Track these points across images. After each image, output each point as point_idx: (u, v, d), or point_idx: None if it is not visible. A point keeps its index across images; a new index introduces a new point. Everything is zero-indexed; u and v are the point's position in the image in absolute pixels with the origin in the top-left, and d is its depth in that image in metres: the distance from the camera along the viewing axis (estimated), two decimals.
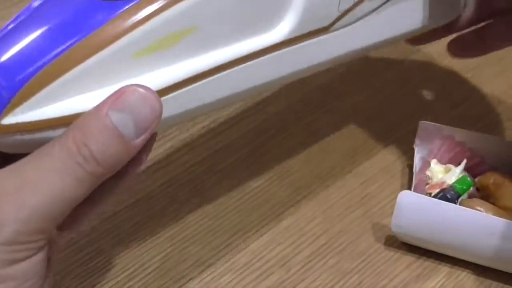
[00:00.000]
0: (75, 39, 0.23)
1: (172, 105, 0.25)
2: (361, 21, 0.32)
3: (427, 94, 0.45)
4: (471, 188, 0.37)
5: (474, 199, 0.36)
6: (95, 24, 0.23)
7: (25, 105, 0.22)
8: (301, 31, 0.29)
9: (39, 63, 0.22)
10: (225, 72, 0.26)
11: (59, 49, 0.22)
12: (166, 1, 0.24)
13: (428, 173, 0.38)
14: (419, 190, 0.37)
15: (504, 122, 0.44)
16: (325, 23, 0.30)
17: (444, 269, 0.36)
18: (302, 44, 0.29)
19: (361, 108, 0.45)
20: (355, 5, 0.31)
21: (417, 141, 0.40)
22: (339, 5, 0.30)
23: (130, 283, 0.35)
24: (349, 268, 0.36)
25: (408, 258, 0.37)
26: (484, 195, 0.37)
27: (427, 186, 0.37)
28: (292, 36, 0.28)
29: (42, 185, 0.22)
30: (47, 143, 0.22)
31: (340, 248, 0.37)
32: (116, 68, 0.23)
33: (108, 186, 0.25)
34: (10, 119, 0.22)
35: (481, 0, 0.37)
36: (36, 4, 0.25)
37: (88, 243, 0.37)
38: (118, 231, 0.38)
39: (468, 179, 0.37)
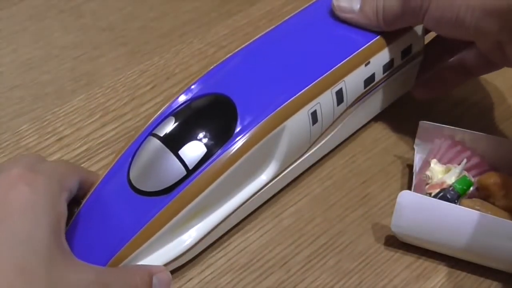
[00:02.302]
0: (133, 232, 0.33)
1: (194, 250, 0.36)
2: (331, 135, 0.40)
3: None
4: (471, 188, 0.37)
5: (474, 199, 0.36)
6: (146, 220, 0.33)
7: None
8: (283, 167, 0.38)
9: (111, 253, 0.33)
10: (232, 215, 0.37)
11: (123, 242, 0.33)
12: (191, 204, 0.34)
13: (428, 173, 0.38)
14: (419, 190, 0.37)
15: (504, 122, 0.44)
16: (300, 154, 0.39)
17: (444, 269, 0.36)
18: (285, 172, 0.38)
19: None
20: (323, 133, 0.39)
21: (417, 141, 0.40)
22: (310, 139, 0.38)
23: None
24: (349, 268, 0.36)
25: (408, 258, 0.37)
26: (484, 195, 0.37)
27: (427, 186, 0.37)
28: (277, 173, 0.38)
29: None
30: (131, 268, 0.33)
31: (340, 248, 0.37)
32: (162, 243, 0.34)
33: None
34: None
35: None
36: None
37: None
38: None
39: (468, 179, 0.37)
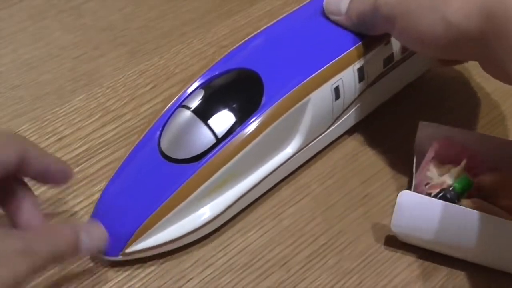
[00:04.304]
0: (164, 197, 0.35)
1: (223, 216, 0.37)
2: (352, 111, 0.41)
3: (428, 95, 0.45)
4: (471, 188, 0.37)
5: (474, 199, 0.36)
6: (177, 186, 0.35)
7: (138, 240, 0.35)
8: (307, 141, 0.39)
9: (144, 217, 0.35)
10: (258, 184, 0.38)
11: (155, 206, 0.35)
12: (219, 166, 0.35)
13: (428, 173, 0.38)
14: (419, 190, 0.37)
15: (504, 122, 0.44)
16: (323, 129, 0.40)
17: (444, 269, 0.36)
18: (309, 145, 0.40)
19: None
20: (345, 110, 0.40)
21: (417, 141, 0.40)
22: (332, 115, 0.39)
23: (130, 283, 0.35)
24: (349, 268, 0.36)
25: (408, 258, 0.37)
26: (484, 195, 0.37)
27: (427, 186, 0.37)
28: (301, 146, 0.39)
29: None
30: None
31: (340, 248, 0.37)
32: (190, 210, 0.36)
33: None
34: (129, 249, 0.35)
35: None
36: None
37: None
38: None
39: (468, 179, 0.37)
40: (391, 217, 0.35)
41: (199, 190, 0.35)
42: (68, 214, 0.39)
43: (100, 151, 0.42)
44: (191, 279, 0.36)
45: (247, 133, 0.36)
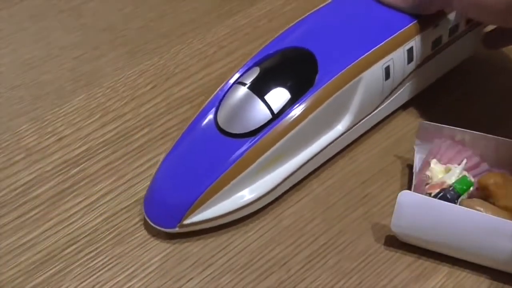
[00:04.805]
0: (222, 170, 0.36)
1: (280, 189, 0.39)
2: (399, 91, 0.42)
3: (427, 94, 0.45)
4: (471, 188, 0.37)
5: (474, 199, 0.36)
6: (234, 159, 0.36)
7: (195, 212, 0.36)
8: (358, 119, 0.40)
9: (202, 189, 0.36)
10: (312, 159, 0.39)
11: (213, 178, 0.36)
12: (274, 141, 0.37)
13: (428, 173, 0.38)
14: (419, 190, 0.37)
15: (504, 122, 0.44)
16: (373, 108, 0.41)
17: (444, 269, 0.36)
18: (358, 124, 0.41)
19: None
20: (393, 90, 0.41)
21: (417, 141, 0.40)
22: (382, 94, 0.41)
23: (130, 283, 0.35)
24: (349, 268, 0.36)
25: (408, 258, 0.37)
26: (484, 195, 0.37)
27: (427, 186, 0.37)
28: (352, 124, 0.40)
29: None
30: None
31: (340, 248, 0.37)
32: (246, 184, 0.37)
33: None
34: (187, 221, 0.36)
35: None
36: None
37: (88, 243, 0.37)
38: (118, 231, 0.38)
39: (468, 179, 0.37)
40: (391, 217, 0.35)
41: (255, 164, 0.36)
42: (68, 214, 0.39)
43: (100, 151, 0.42)
44: (191, 279, 0.36)
45: (302, 110, 0.37)
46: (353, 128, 0.40)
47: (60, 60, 0.49)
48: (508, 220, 0.34)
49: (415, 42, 0.41)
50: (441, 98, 0.45)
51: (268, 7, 0.53)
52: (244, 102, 0.37)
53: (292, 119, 0.37)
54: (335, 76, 0.38)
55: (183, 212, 0.36)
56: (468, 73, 0.47)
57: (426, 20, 0.41)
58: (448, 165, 0.38)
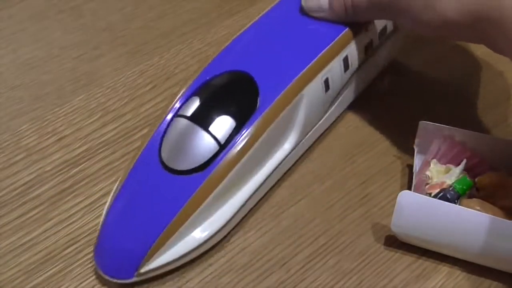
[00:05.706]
0: (175, 211, 0.34)
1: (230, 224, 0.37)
2: (339, 100, 0.42)
3: (428, 94, 0.45)
4: (471, 188, 0.37)
5: (474, 199, 0.36)
6: (186, 198, 0.34)
7: (151, 260, 0.34)
8: (303, 135, 0.40)
9: (156, 233, 0.34)
10: (260, 188, 0.38)
11: (166, 221, 0.34)
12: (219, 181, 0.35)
13: (428, 173, 0.38)
14: (419, 190, 0.37)
15: (504, 122, 0.44)
16: (317, 121, 0.41)
17: (444, 269, 0.36)
18: (303, 140, 0.40)
19: (361, 108, 0.45)
20: (336, 97, 0.41)
21: (417, 141, 0.40)
22: (324, 106, 0.41)
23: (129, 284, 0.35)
24: (349, 268, 0.36)
25: (408, 258, 0.37)
26: (484, 195, 0.37)
27: (427, 186, 0.37)
28: (298, 141, 0.39)
29: None
30: None
31: (340, 248, 0.37)
32: (201, 220, 0.35)
33: None
34: (144, 269, 0.34)
35: None
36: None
37: (88, 243, 0.37)
38: None
39: (468, 179, 0.37)
40: (391, 217, 0.35)
41: (208, 199, 0.35)
42: (68, 214, 0.39)
43: (100, 151, 0.42)
44: (191, 279, 0.36)
45: (249, 136, 0.36)
46: (300, 144, 0.40)
47: (60, 60, 0.49)
48: (508, 220, 0.34)
49: (349, 50, 0.40)
50: (442, 98, 0.45)
51: (268, 7, 0.53)
52: (188, 136, 0.36)
53: (240, 147, 0.35)
54: (278, 97, 0.37)
55: (139, 260, 0.34)
56: (468, 74, 0.47)
57: (356, 26, 0.41)
58: (448, 165, 0.38)
